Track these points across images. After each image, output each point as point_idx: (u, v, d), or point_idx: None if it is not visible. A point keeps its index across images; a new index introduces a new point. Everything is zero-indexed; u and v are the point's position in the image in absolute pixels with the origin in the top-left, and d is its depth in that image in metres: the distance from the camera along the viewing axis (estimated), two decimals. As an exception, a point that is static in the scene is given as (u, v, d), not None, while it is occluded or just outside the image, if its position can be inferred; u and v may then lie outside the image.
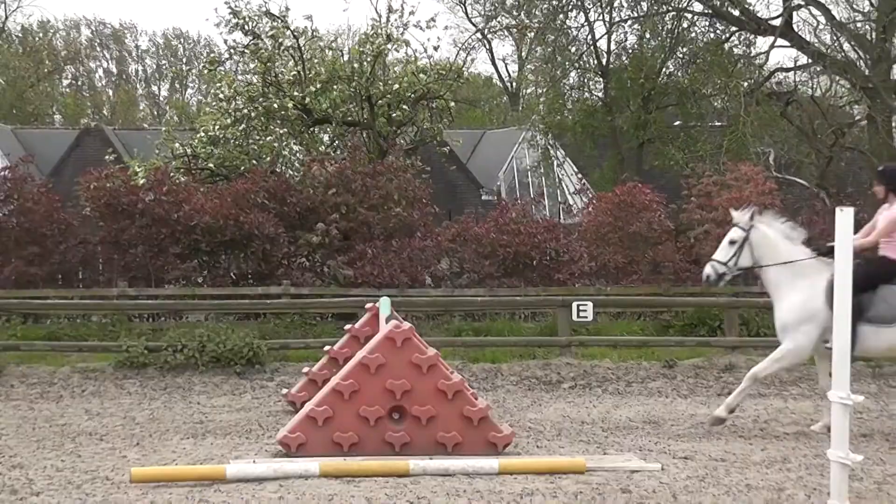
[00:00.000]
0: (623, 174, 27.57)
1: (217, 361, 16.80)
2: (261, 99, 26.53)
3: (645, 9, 32.18)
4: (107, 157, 27.40)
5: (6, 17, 63.92)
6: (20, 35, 67.42)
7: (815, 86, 34.47)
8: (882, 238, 12.30)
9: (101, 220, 21.56)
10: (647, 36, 32.35)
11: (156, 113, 72.22)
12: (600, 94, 33.92)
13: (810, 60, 30.16)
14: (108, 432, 12.68)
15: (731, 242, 12.66)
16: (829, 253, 12.38)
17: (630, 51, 33.45)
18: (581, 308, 17.73)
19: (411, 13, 28.53)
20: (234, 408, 14.51)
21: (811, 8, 29.72)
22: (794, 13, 29.65)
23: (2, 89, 62.21)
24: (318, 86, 26.64)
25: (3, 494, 9.28)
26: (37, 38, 68.16)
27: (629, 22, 33.07)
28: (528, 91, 46.37)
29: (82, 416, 13.99)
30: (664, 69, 32.40)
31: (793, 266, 12.51)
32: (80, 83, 72.79)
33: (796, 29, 30.06)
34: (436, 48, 30.92)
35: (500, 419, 12.25)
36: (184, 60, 73.29)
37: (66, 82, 71.64)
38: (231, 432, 12.56)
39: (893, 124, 29.90)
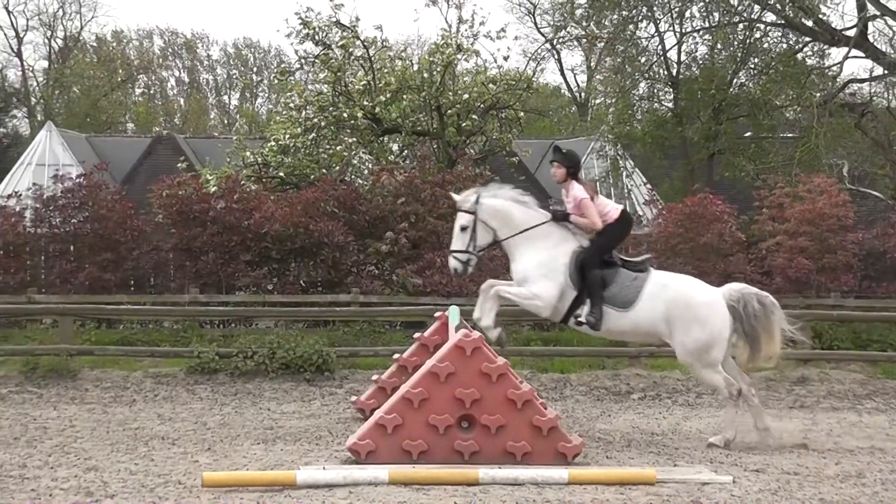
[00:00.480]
0: (693, 185, 27.37)
1: (287, 368, 16.92)
2: (331, 108, 26.63)
3: (716, 19, 31.96)
4: (179, 164, 27.69)
5: (81, 28, 64.89)
6: (94, 45, 68.29)
7: (890, 97, 34.09)
8: (597, 220, 12.45)
9: (173, 227, 21.77)
10: (719, 46, 32.10)
11: (226, 121, 72.77)
12: (670, 105, 33.72)
13: (886, 71, 29.79)
14: (180, 437, 12.81)
15: (463, 229, 12.64)
16: (565, 218, 12.59)
17: (700, 61, 33.21)
18: (651, 319, 17.61)
19: (481, 23, 28.48)
20: (303, 414, 14.60)
21: (887, 18, 29.32)
22: (870, 23, 29.28)
23: (77, 98, 63.05)
24: (388, 95, 26.70)
25: (79, 496, 9.41)
26: (111, 48, 68.95)
27: (700, 32, 32.88)
28: (597, 101, 46.14)
29: (155, 421, 14.15)
30: (735, 80, 32.14)
31: (533, 229, 12.56)
32: (152, 92, 73.50)
33: (871, 39, 29.71)
34: (505, 58, 30.93)
35: (570, 429, 12.22)
36: (254, 70, 73.78)
37: (138, 91, 72.36)
38: (301, 438, 12.63)
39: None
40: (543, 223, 12.58)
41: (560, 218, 12.66)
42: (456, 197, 12.86)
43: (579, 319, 12.36)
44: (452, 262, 12.72)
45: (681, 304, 12.28)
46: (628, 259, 12.80)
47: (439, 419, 10.80)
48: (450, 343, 11.30)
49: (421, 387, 10.90)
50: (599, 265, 12.36)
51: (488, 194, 12.73)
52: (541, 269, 12.40)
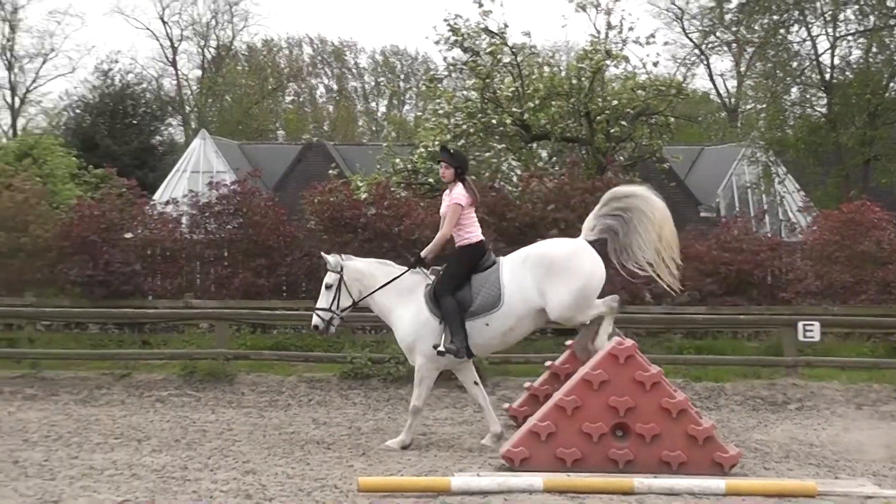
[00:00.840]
0: (849, 192, 26.80)
1: (439, 375, 16.94)
2: (479, 115, 26.67)
3: (871, 22, 31.29)
4: (330, 171, 27.98)
5: (233, 37, 66.20)
6: (246, 53, 69.57)
7: None
8: (454, 228, 12.55)
9: (324, 233, 21.92)
10: (874, 50, 31.44)
11: (374, 128, 73.43)
12: (823, 110, 33.05)
13: None
14: (335, 441, 12.98)
15: (328, 287, 12.90)
16: (420, 262, 12.74)
17: (855, 65, 32.55)
18: (807, 328, 17.33)
19: (630, 29, 28.21)
20: (456, 421, 14.65)
21: None
22: None
23: (229, 106, 64.34)
24: (537, 102, 26.65)
25: (239, 499, 9.59)
26: (261, 57, 70.13)
27: (854, 36, 32.20)
28: (748, 107, 45.51)
29: (310, 425, 14.35)
30: (892, 84, 31.43)
31: (396, 286, 12.73)
32: (301, 99, 74.52)
33: None
34: (655, 64, 30.56)
35: (726, 439, 12.06)
36: (401, 77, 74.33)
37: (288, 98, 73.48)
38: (454, 445, 12.70)
39: None
40: (403, 274, 12.82)
41: (416, 263, 12.88)
42: (326, 257, 13.10)
43: (439, 350, 12.38)
44: (315, 320, 13.06)
45: (545, 264, 12.28)
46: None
47: (593, 427, 10.78)
48: (603, 351, 11.27)
49: (574, 395, 10.90)
50: (451, 291, 12.44)
51: (355, 259, 13.16)
52: (415, 333, 12.63)
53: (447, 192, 12.97)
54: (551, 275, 12.19)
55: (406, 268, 12.90)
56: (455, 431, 13.66)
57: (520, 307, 12.34)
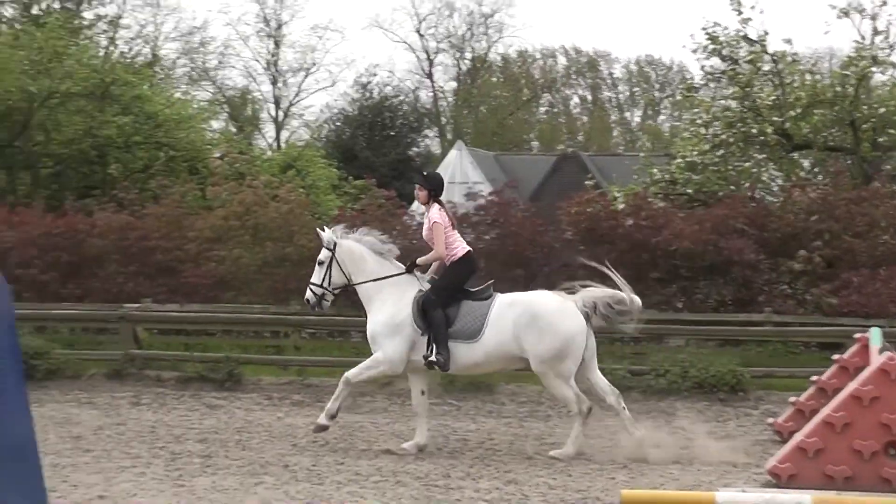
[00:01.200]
0: None
1: (699, 387, 16.78)
2: (739, 124, 26.26)
3: None
4: (586, 182, 28.00)
5: (488, 49, 67.06)
6: (500, 65, 70.34)
7: None
8: (445, 248, 12.65)
9: (581, 244, 21.91)
10: None
11: (628, 139, 73.15)
12: None
13: None
14: (596, 453, 12.97)
15: (320, 263, 12.90)
16: (414, 267, 12.79)
17: None
18: None
19: (898, 33, 27.37)
20: (718, 435, 14.38)
21: None
22: None
23: (484, 117, 65.20)
24: (799, 110, 26.07)
25: (504, 508, 9.72)
26: (516, 68, 70.78)
27: None
28: None
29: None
30: None
31: (384, 280, 12.74)
32: (555, 110, 74.85)
33: None
34: (925, 69, 29.56)
35: None
36: (656, 87, 73.86)
37: (542, 109, 73.94)
38: (717, 459, 12.52)
39: None
40: (393, 275, 12.92)
41: (411, 269, 12.96)
42: (321, 233, 13.25)
43: (430, 360, 12.46)
44: (308, 293, 13.25)
45: (528, 316, 12.51)
46: (471, 290, 12.90)
47: (864, 445, 10.49)
48: (873, 366, 10.98)
49: (843, 411, 10.64)
50: (441, 304, 12.49)
51: (351, 236, 13.23)
52: (386, 328, 12.73)
53: (424, 214, 13.31)
54: (531, 326, 12.59)
55: (401, 271, 13.09)
56: (718, 446, 13.46)
57: (492, 347, 12.68)
